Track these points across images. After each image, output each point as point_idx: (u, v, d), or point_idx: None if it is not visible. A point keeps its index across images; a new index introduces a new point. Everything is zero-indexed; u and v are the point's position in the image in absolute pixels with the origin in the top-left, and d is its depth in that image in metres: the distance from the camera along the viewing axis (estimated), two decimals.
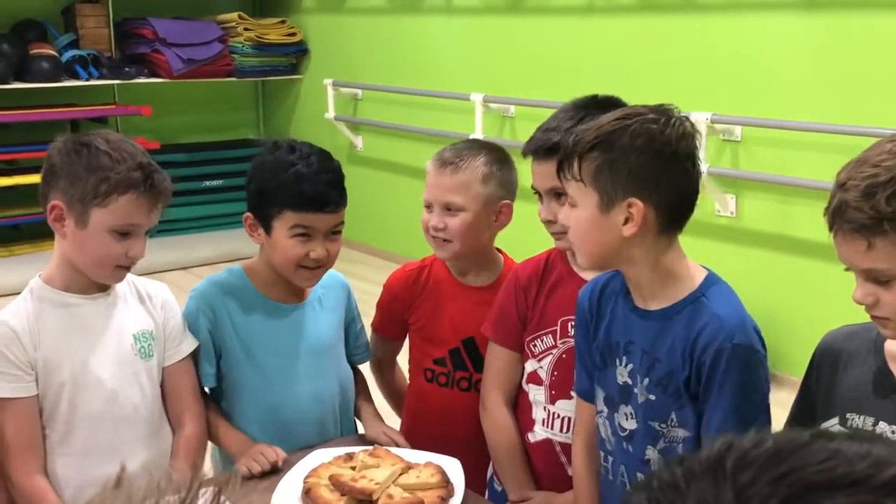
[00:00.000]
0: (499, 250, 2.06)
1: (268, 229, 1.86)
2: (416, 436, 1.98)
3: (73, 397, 1.73)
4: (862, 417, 1.32)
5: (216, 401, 1.94)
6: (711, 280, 1.50)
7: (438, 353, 2.03)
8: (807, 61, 3.59)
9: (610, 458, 1.60)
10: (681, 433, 1.48)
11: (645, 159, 1.39)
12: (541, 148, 1.71)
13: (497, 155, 1.98)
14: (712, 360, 1.42)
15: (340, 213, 1.87)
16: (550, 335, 1.80)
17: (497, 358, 1.87)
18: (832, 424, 1.36)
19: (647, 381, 1.50)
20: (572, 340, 1.75)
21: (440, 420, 2.03)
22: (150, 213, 1.74)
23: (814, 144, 3.55)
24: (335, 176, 1.86)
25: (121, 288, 1.83)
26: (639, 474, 1.54)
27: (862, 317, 1.39)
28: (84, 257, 1.74)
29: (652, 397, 1.50)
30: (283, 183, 1.81)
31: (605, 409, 1.59)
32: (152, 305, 1.85)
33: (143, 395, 1.81)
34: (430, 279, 2.05)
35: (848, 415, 1.34)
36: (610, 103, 1.72)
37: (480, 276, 2.02)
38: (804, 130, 3.54)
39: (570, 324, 1.76)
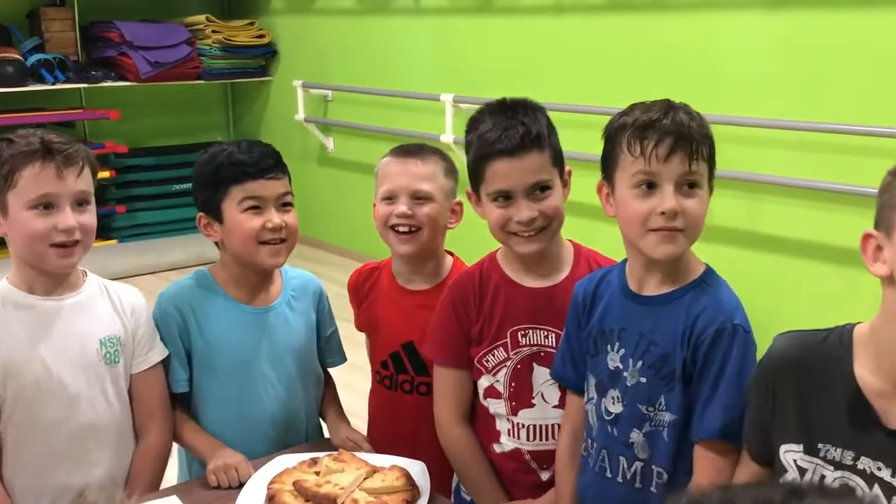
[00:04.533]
0: (450, 253, 2.05)
1: (220, 218, 1.87)
2: (377, 436, 1.99)
3: (33, 401, 1.70)
4: (839, 450, 1.26)
5: (185, 404, 1.92)
6: (711, 271, 1.56)
7: (382, 355, 2.03)
8: (772, 59, 3.61)
9: (593, 444, 1.61)
10: (667, 417, 1.51)
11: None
12: (524, 139, 1.65)
13: (445, 155, 2.01)
14: (712, 339, 1.46)
15: (284, 181, 1.89)
16: (502, 348, 1.78)
17: (446, 380, 1.84)
18: (795, 449, 1.30)
19: (640, 364, 1.52)
20: (525, 350, 1.76)
21: (391, 422, 2.03)
22: (62, 179, 1.68)
23: (780, 141, 3.57)
24: (268, 148, 1.91)
25: (90, 290, 1.80)
26: (621, 458, 1.56)
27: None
28: (19, 246, 1.71)
29: (643, 380, 1.52)
30: (220, 165, 1.87)
31: (595, 396, 1.60)
32: (123, 310, 1.83)
33: (107, 401, 1.78)
34: (377, 282, 2.06)
35: (820, 444, 1.28)
36: (528, 101, 1.74)
37: (425, 280, 2.00)
38: (770, 128, 3.56)
39: (519, 333, 1.77)
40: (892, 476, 1.21)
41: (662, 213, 1.45)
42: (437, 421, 1.85)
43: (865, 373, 1.26)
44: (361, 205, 5.80)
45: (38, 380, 1.70)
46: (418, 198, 1.93)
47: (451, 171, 1.99)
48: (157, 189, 6.10)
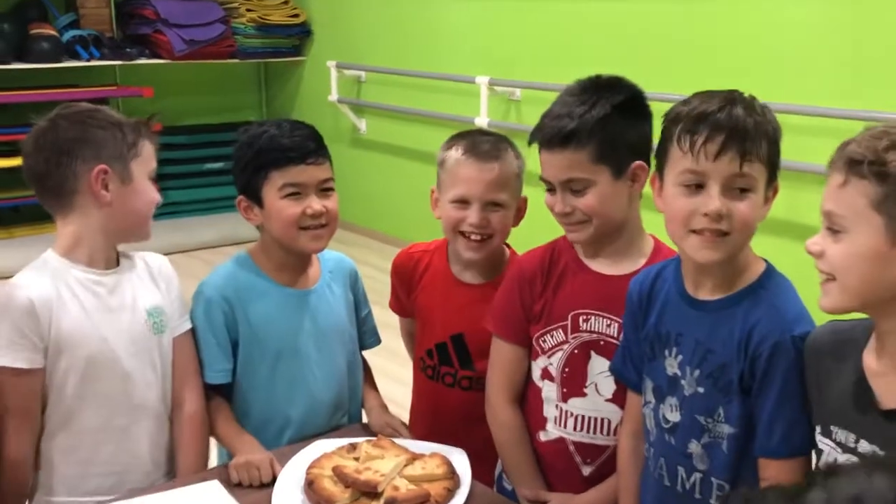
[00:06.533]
0: (506, 245, 2.00)
1: (260, 202, 1.85)
2: (417, 425, 1.97)
3: (87, 374, 1.69)
4: (844, 433, 1.28)
5: (224, 394, 1.90)
6: (771, 272, 1.47)
7: (428, 344, 2.00)
8: (815, 44, 3.54)
9: (651, 450, 1.56)
10: (726, 429, 1.45)
11: None
12: (556, 137, 1.63)
13: (514, 147, 1.94)
14: (770, 353, 1.39)
15: (325, 166, 1.86)
16: (561, 330, 1.73)
17: (502, 354, 1.80)
18: (818, 430, 1.33)
19: (697, 372, 1.47)
20: (584, 335, 1.71)
21: (431, 412, 2.01)
22: (156, 156, 1.80)
23: (822, 129, 3.51)
24: (310, 131, 1.87)
25: (129, 263, 1.81)
26: (679, 468, 1.51)
27: None
28: (131, 215, 1.75)
29: (700, 390, 1.46)
30: (260, 149, 1.83)
31: (653, 400, 1.55)
32: (158, 279, 1.84)
33: (155, 373, 1.78)
34: (428, 268, 2.02)
35: (832, 427, 1.30)
36: (616, 84, 1.67)
37: (481, 273, 1.96)
38: (812, 115, 3.50)
39: (581, 318, 1.71)
40: None
41: (706, 214, 1.38)
42: (487, 397, 1.82)
43: (870, 356, 1.27)
44: (394, 188, 5.82)
45: (94, 353, 1.69)
46: (493, 204, 1.87)
47: (521, 169, 1.91)
48: (189, 167, 6.11)
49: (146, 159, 1.75)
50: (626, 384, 1.65)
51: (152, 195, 1.78)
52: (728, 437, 1.45)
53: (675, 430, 1.50)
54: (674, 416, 1.50)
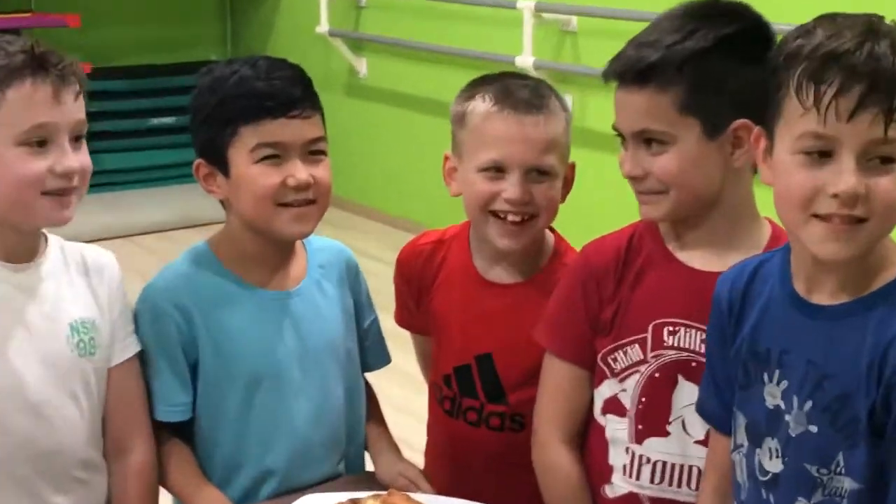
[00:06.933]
0: (550, 229, 2.00)
1: (225, 169, 1.84)
2: (433, 472, 1.97)
3: None
4: None
5: (182, 434, 1.90)
6: None
7: (445, 368, 2.00)
8: None
9: None
10: (847, 484, 1.41)
11: None
12: (629, 70, 1.63)
13: (559, 95, 1.94)
14: None
15: (314, 120, 1.85)
16: (638, 345, 1.72)
17: (556, 375, 1.80)
18: None
19: (808, 404, 1.44)
20: (670, 353, 1.71)
21: (450, 457, 2.02)
22: (61, 105, 1.67)
23: None
24: (294, 73, 1.87)
25: (54, 258, 1.79)
26: None
27: None
28: None
29: (813, 429, 1.43)
30: (226, 96, 1.82)
31: (746, 443, 1.53)
32: (99, 282, 1.83)
33: (79, 408, 1.77)
34: (445, 263, 2.03)
35: None
36: (733, 11, 1.66)
37: (516, 268, 1.96)
38: None
39: (666, 330, 1.71)
40: None
41: (835, 195, 1.33)
42: (535, 434, 1.82)
43: None
44: (404, 152, 5.83)
45: None
46: (537, 171, 1.86)
47: (569, 120, 1.93)
48: (128, 124, 6.18)
49: (9, 117, 1.64)
50: (708, 421, 1.65)
51: (21, 169, 1.65)
52: (849, 494, 1.42)
53: (776, 485, 1.49)
54: (774, 465, 1.49)
